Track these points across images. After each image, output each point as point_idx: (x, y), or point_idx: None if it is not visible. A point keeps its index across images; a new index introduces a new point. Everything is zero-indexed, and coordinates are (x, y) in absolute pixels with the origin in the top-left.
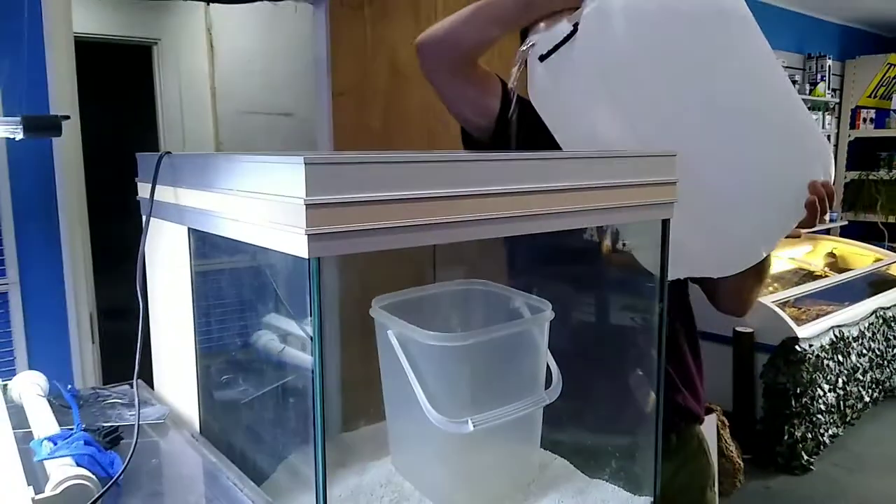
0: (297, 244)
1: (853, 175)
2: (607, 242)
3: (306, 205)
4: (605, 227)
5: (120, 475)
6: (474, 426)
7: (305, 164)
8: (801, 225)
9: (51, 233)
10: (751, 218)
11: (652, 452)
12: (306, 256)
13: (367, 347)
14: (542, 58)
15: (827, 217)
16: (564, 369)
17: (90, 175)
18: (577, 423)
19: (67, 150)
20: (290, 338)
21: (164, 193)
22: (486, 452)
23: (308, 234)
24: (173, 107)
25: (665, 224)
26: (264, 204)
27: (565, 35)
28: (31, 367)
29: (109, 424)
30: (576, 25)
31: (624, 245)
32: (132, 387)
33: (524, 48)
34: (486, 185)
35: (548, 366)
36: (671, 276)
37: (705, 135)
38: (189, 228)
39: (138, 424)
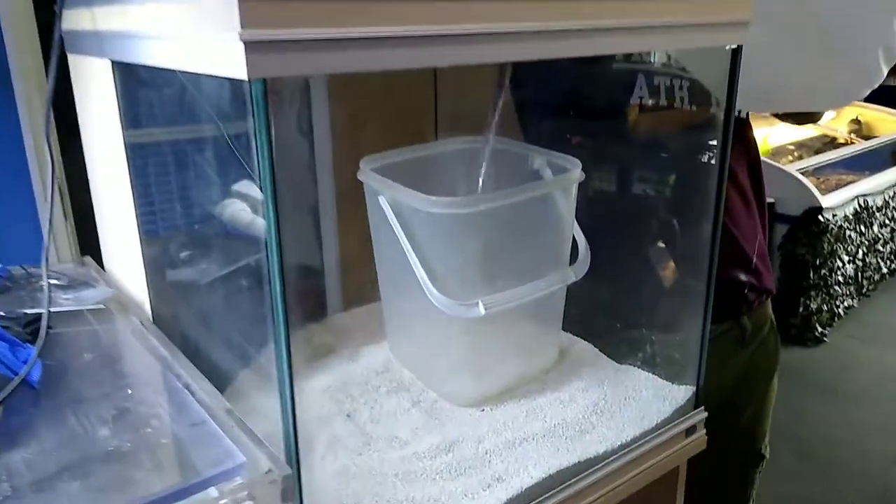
0: (231, 59)
1: None
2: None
3: None
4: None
5: (26, 372)
6: (486, 309)
7: None
8: None
9: (4, 94)
10: (870, 31)
11: (698, 336)
12: (245, 77)
13: (362, 218)
14: None
15: None
16: (595, 242)
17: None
18: (606, 303)
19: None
20: (249, 202)
21: (83, 20)
22: (499, 337)
23: (245, 42)
24: None
25: (735, 54)
26: (186, 6)
27: None
28: None
29: (33, 311)
30: None
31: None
32: (79, 265)
33: None
34: None
35: (574, 238)
36: (772, 109)
37: None
38: (112, 62)
39: (48, 311)
